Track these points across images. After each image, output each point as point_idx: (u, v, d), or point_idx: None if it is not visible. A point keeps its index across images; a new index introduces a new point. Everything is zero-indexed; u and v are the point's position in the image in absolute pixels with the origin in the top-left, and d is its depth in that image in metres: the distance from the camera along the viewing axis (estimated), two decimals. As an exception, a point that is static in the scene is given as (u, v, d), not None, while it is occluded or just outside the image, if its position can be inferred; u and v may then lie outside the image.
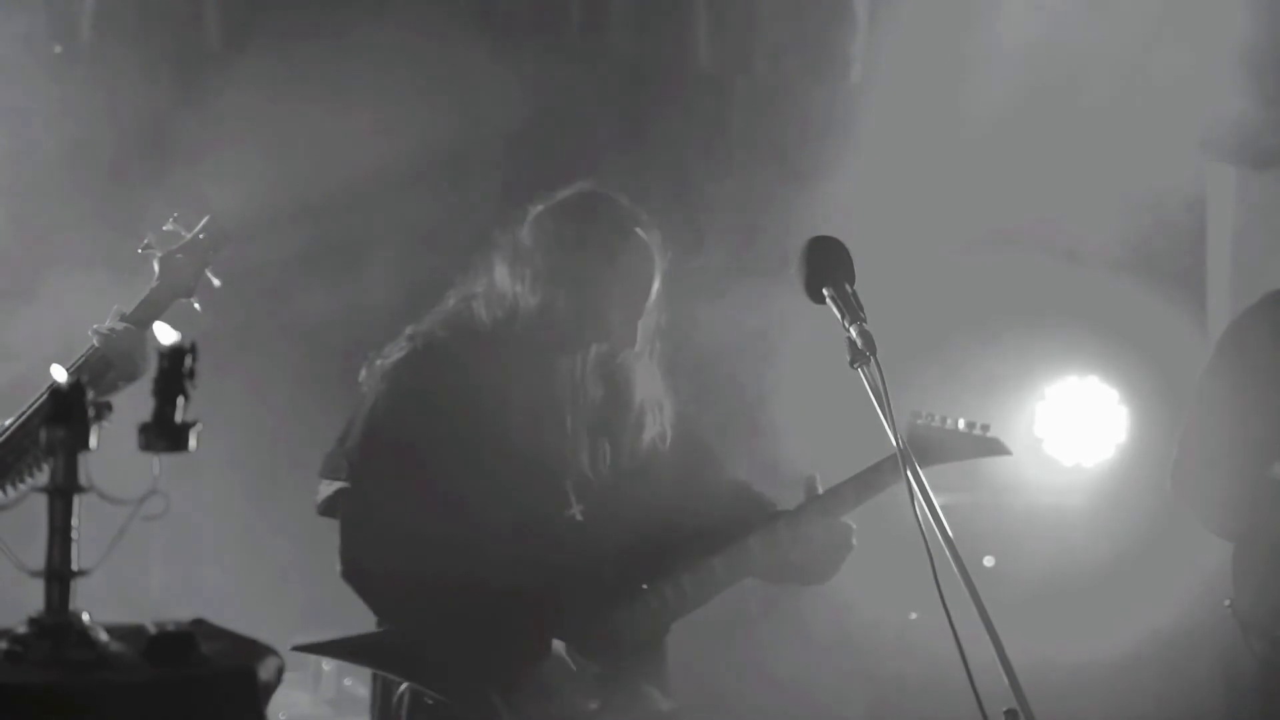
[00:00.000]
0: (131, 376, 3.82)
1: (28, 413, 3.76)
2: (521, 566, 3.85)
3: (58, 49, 5.66)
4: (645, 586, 3.98)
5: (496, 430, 3.85)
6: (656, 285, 3.94)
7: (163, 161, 5.65)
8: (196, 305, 3.89)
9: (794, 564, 4.05)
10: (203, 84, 5.83)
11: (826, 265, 3.30)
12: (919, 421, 4.12)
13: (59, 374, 2.21)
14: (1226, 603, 4.70)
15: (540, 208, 3.97)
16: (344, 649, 4.00)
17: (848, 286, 3.27)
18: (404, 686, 3.87)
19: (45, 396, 3.52)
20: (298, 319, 5.87)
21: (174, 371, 2.16)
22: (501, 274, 3.92)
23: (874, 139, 6.13)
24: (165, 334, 2.20)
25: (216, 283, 3.89)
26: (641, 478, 4.03)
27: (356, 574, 3.87)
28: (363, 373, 3.96)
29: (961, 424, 4.14)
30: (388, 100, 5.95)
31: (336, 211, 5.84)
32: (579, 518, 3.94)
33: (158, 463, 2.17)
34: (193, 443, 2.17)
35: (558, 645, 3.88)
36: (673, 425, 4.07)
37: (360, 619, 4.06)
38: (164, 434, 2.16)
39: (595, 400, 3.98)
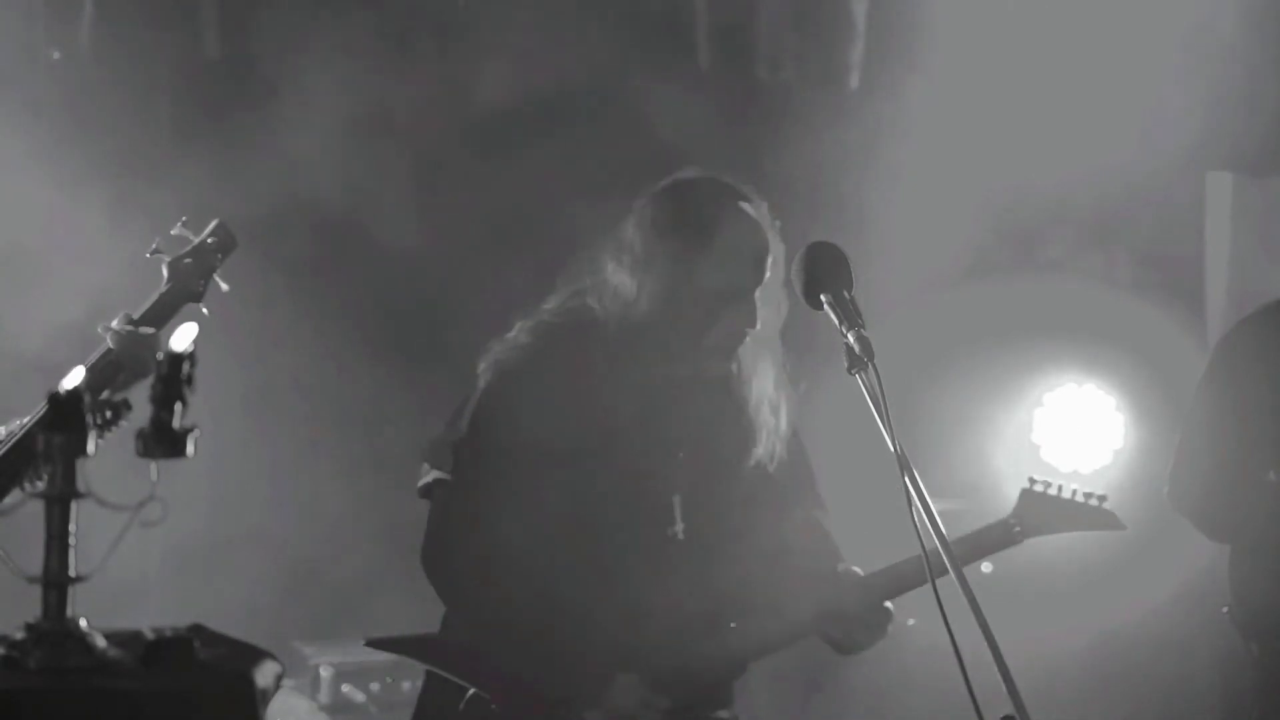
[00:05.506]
0: (142, 375, 3.81)
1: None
2: (610, 582, 3.72)
3: (56, 55, 5.66)
4: (733, 625, 3.83)
5: (606, 437, 3.72)
6: (770, 257, 3.74)
7: (161, 166, 5.66)
8: (204, 309, 3.90)
9: (850, 627, 3.84)
10: (202, 91, 5.84)
11: (825, 271, 3.29)
12: (1035, 488, 3.98)
13: (77, 377, 2.21)
14: (1225, 609, 4.70)
15: (642, 199, 3.84)
16: (413, 647, 3.92)
17: (846, 293, 3.27)
18: (471, 691, 3.76)
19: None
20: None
21: (173, 378, 2.16)
22: (608, 268, 3.77)
23: (872, 146, 6.14)
24: (183, 337, 2.20)
25: (225, 287, 3.90)
26: (748, 500, 3.83)
27: (433, 566, 3.79)
28: (480, 364, 3.83)
29: (1079, 494, 4.02)
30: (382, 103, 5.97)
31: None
32: (680, 537, 3.78)
33: (155, 469, 2.18)
34: (190, 449, 2.17)
35: (628, 677, 3.73)
36: (785, 443, 3.86)
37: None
38: (162, 440, 2.16)
39: (708, 412, 3.80)
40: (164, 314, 3.84)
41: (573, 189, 6.17)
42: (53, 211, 5.44)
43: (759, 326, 3.73)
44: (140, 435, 2.16)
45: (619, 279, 3.74)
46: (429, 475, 3.80)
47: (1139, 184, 6.31)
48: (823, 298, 3.26)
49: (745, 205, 3.77)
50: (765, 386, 3.81)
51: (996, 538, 3.90)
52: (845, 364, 3.15)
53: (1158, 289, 6.33)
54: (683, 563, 3.77)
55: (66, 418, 2.16)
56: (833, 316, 3.22)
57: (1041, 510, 3.97)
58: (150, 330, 3.77)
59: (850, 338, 3.16)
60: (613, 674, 3.72)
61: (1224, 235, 6.71)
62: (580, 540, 3.71)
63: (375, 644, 3.89)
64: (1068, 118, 6.29)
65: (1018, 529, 3.95)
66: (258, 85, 5.75)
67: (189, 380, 2.16)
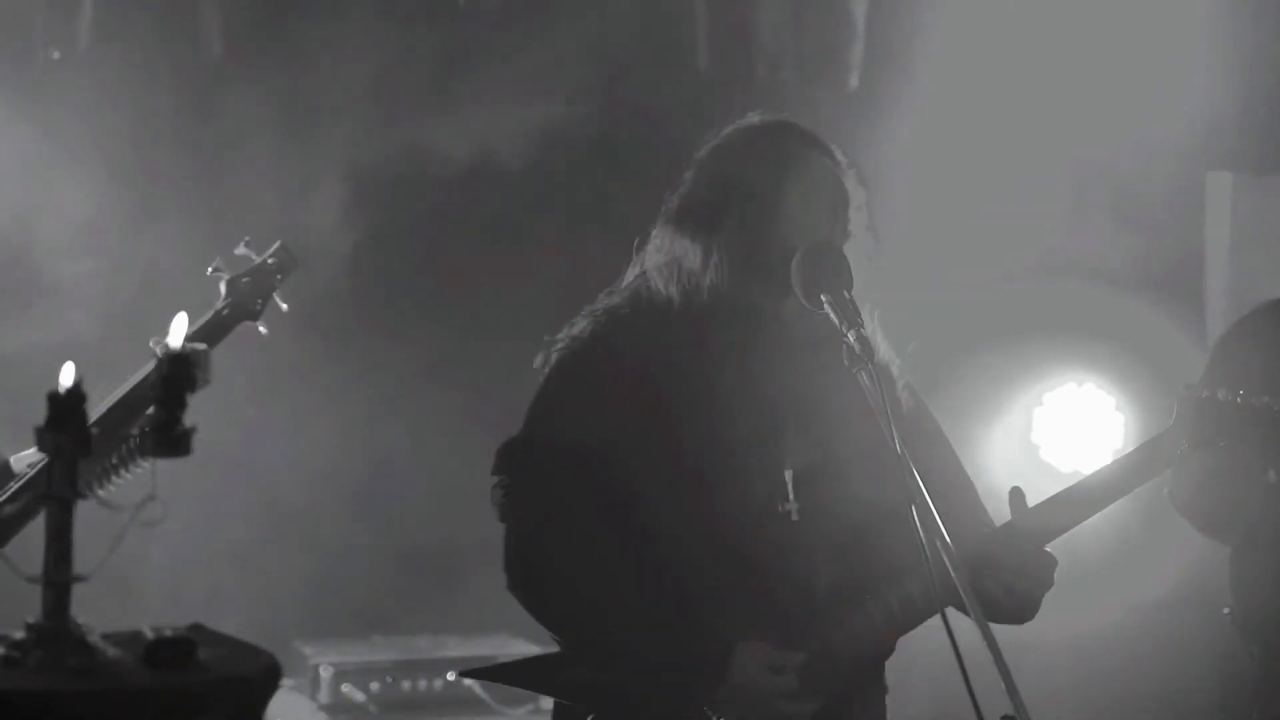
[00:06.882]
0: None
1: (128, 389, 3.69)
2: (719, 573, 3.34)
3: (55, 55, 5.66)
4: (868, 597, 3.38)
5: (700, 413, 3.34)
6: (852, 205, 3.44)
7: (161, 166, 5.66)
8: (262, 329, 3.89)
9: (1004, 577, 3.36)
10: (202, 91, 5.84)
11: (825, 271, 3.31)
12: (1200, 394, 3.44)
13: (68, 374, 2.21)
14: (1225, 610, 4.70)
15: (702, 151, 3.49)
16: (514, 674, 3.57)
17: (846, 293, 3.29)
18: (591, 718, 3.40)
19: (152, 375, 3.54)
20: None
21: (174, 378, 2.16)
22: (672, 235, 3.41)
23: (872, 146, 6.13)
24: (176, 334, 2.20)
25: (284, 307, 3.90)
26: (866, 464, 3.31)
27: (523, 586, 3.40)
28: (539, 359, 3.45)
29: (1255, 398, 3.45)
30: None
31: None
32: (794, 517, 3.36)
33: (155, 468, 2.18)
34: (192, 449, 2.17)
35: (752, 644, 3.34)
36: (902, 396, 3.49)
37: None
38: (163, 440, 2.16)
39: (818, 378, 3.33)
40: (219, 332, 3.84)
41: (572, 188, 6.18)
42: (52, 211, 5.44)
43: (850, 239, 3.41)
44: (141, 435, 2.16)
45: (683, 247, 3.38)
46: (494, 480, 3.45)
47: (1139, 183, 6.31)
48: (823, 298, 3.27)
49: (817, 151, 3.46)
50: (876, 344, 3.35)
51: (1157, 457, 3.45)
52: (845, 363, 3.17)
53: (1157, 288, 6.33)
54: (799, 542, 3.37)
55: (67, 416, 2.16)
56: (833, 316, 3.24)
57: (1215, 418, 3.44)
58: (202, 346, 3.75)
59: (850, 337, 3.19)
60: (733, 645, 3.32)
61: (1224, 235, 6.71)
62: (686, 529, 3.33)
63: (470, 674, 3.64)
64: (1067, 118, 6.29)
65: (1185, 443, 3.44)
66: (258, 85, 5.76)
67: (191, 380, 2.16)
